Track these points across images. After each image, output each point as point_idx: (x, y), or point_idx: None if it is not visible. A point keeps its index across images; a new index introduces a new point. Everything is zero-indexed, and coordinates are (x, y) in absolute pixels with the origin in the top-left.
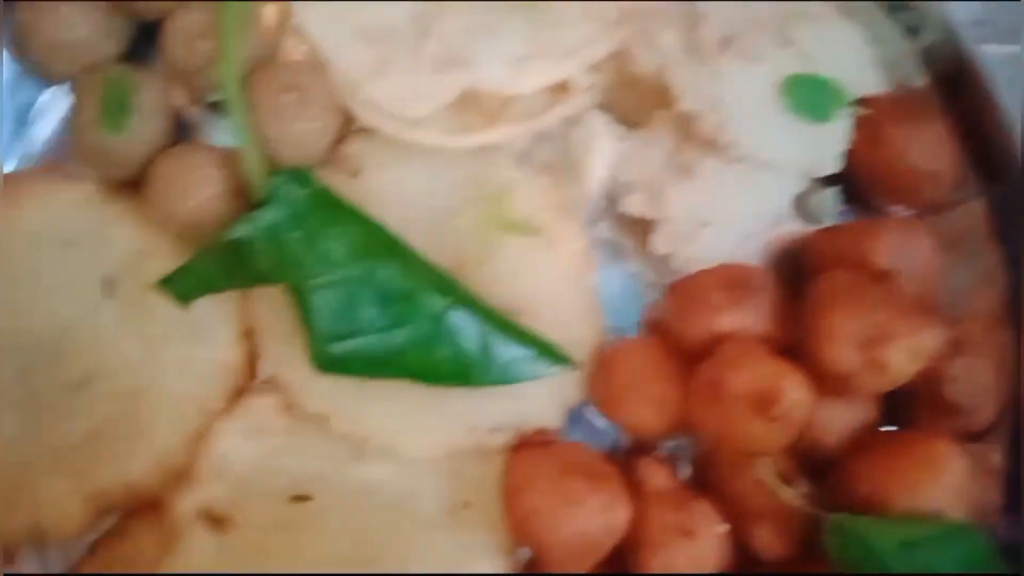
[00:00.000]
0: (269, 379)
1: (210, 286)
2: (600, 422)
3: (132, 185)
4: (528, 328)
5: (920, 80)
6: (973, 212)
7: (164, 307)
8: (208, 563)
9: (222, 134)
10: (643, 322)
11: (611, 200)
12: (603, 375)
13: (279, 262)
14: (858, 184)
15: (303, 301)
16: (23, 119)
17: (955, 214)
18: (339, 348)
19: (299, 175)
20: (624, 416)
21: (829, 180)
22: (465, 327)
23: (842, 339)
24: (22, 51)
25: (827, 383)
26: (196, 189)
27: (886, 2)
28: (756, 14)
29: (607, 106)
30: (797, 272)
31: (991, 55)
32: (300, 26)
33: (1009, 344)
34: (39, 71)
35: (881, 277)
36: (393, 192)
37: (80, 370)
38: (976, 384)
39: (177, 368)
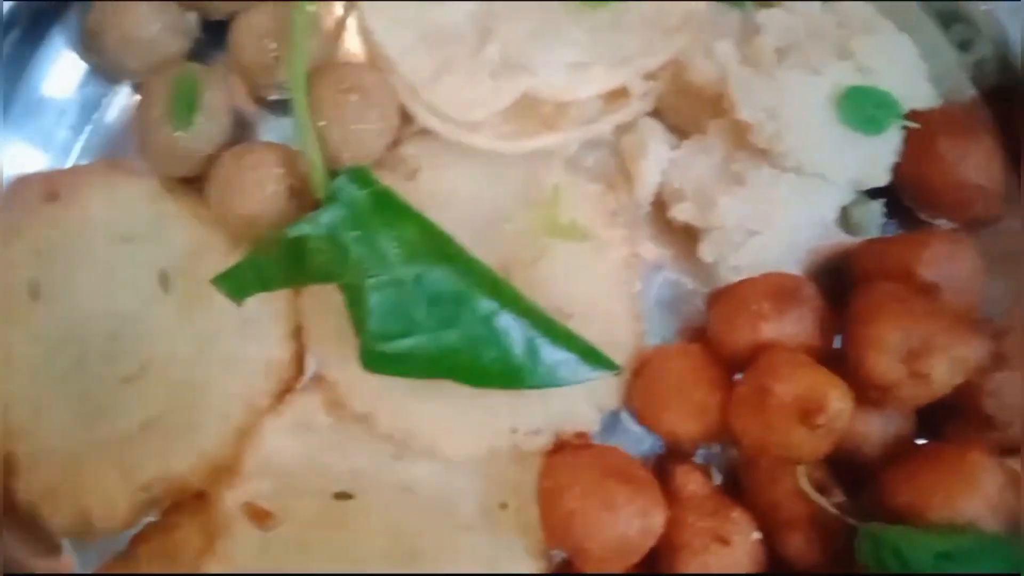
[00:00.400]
0: (316, 377)
1: (265, 283)
2: (636, 427)
3: (192, 181)
4: (573, 332)
5: (970, 93)
6: (1016, 227)
7: (218, 303)
8: (251, 558)
9: (279, 132)
10: (682, 329)
11: (657, 208)
12: (644, 381)
13: (337, 261)
14: (905, 197)
15: (358, 300)
16: (88, 114)
17: (999, 228)
18: (390, 347)
19: (360, 175)
20: (663, 422)
21: (874, 192)
22: (513, 330)
23: (886, 350)
24: (91, 49)
25: (867, 393)
26: (256, 188)
27: (940, 16)
28: (814, 25)
29: (660, 113)
30: (840, 282)
31: None
32: (364, 28)
33: None
34: (108, 68)
35: (926, 290)
36: (448, 194)
37: (134, 363)
38: (1014, 398)
39: (227, 364)
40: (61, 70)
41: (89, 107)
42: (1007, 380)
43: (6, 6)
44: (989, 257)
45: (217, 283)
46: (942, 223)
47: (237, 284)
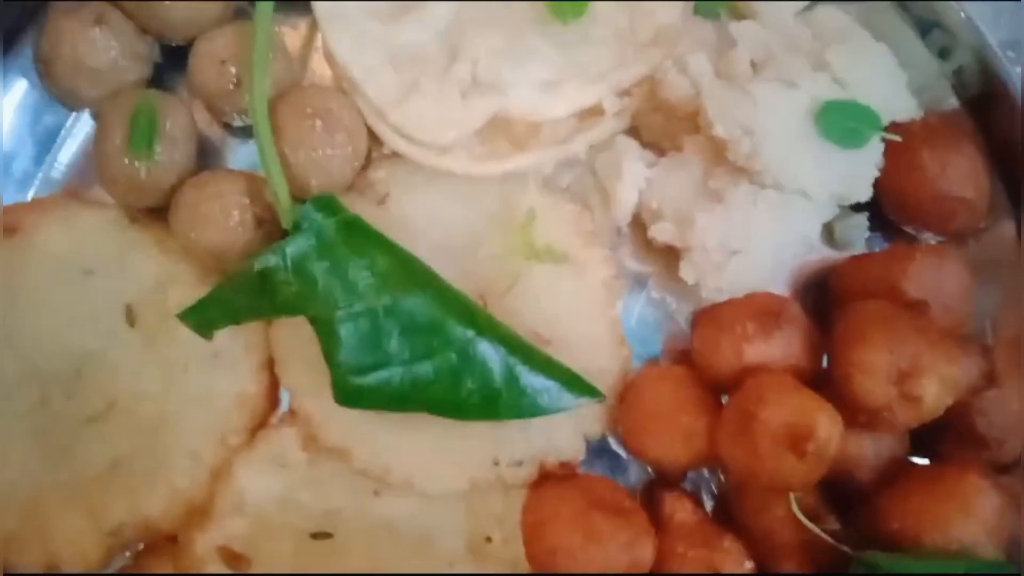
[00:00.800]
0: (290, 411)
1: (233, 316)
2: (623, 453)
3: (157, 211)
4: (554, 358)
5: (952, 102)
6: (1003, 236)
7: (186, 336)
8: None
9: (247, 158)
10: (666, 351)
11: (637, 226)
12: (628, 406)
13: (305, 293)
14: (888, 210)
15: (328, 332)
16: (46, 144)
17: (985, 239)
18: (363, 381)
19: (326, 203)
20: (649, 449)
21: (858, 206)
22: (491, 358)
23: (874, 372)
24: (46, 76)
25: (858, 416)
26: (221, 218)
27: (918, 23)
28: (789, 36)
29: (636, 130)
30: (826, 299)
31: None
32: (328, 49)
33: None
34: (64, 96)
35: (913, 307)
36: (419, 218)
37: (99, 401)
38: (1006, 416)
39: (197, 400)
40: (18, 98)
41: (48, 137)
42: (997, 398)
43: None
44: (975, 268)
45: (184, 318)
46: (927, 236)
47: (205, 318)
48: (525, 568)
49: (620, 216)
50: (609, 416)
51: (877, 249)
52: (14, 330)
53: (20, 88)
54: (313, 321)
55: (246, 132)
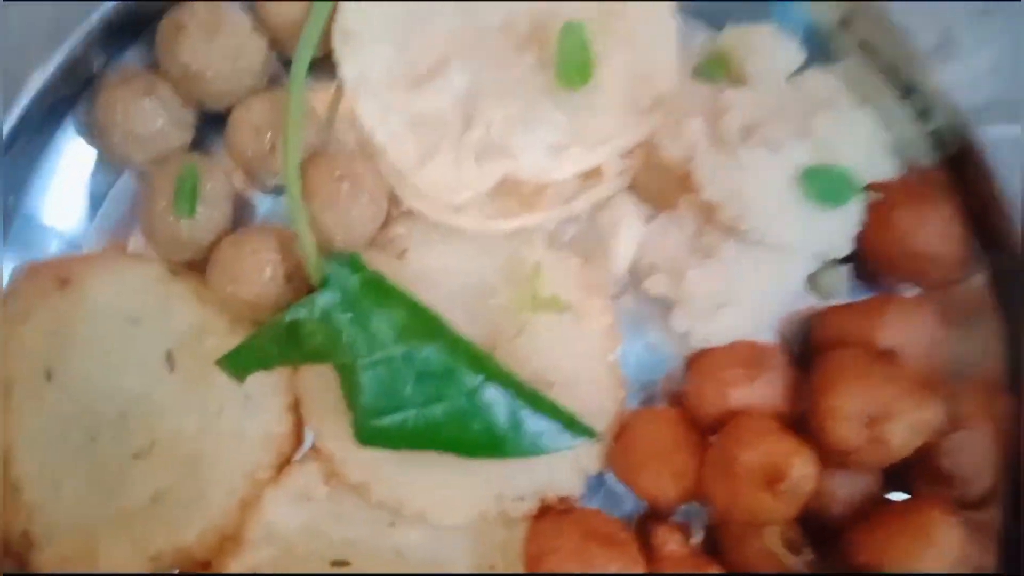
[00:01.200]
0: (313, 448)
1: (264, 363)
2: (619, 487)
3: (195, 265)
4: (555, 401)
5: (929, 161)
6: (977, 287)
7: (221, 380)
8: None
9: (279, 212)
10: (663, 392)
11: (635, 277)
12: (624, 445)
13: (331, 342)
14: (868, 264)
15: (350, 378)
16: (97, 201)
17: (960, 289)
18: (381, 423)
19: (352, 261)
20: (643, 484)
21: (842, 259)
22: (497, 402)
23: (846, 417)
24: (99, 139)
25: (832, 455)
26: (255, 273)
27: (899, 87)
28: (778, 102)
29: (634, 190)
30: (809, 346)
31: (995, 136)
32: (354, 116)
33: (1008, 414)
34: (114, 159)
35: (884, 355)
36: (435, 272)
37: (142, 439)
38: (972, 456)
39: (230, 438)
40: (72, 159)
41: (98, 195)
42: (963, 439)
43: (27, 95)
44: (950, 316)
45: (220, 364)
46: (906, 287)
47: (239, 364)
48: None
49: (618, 269)
50: (606, 454)
51: (860, 298)
52: (68, 374)
53: (74, 149)
54: (337, 368)
55: (278, 189)
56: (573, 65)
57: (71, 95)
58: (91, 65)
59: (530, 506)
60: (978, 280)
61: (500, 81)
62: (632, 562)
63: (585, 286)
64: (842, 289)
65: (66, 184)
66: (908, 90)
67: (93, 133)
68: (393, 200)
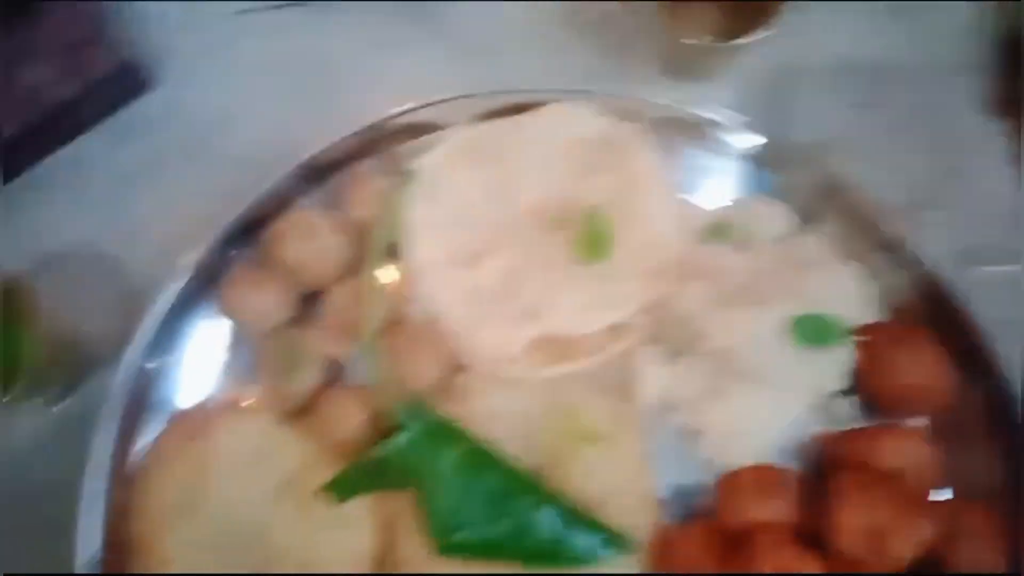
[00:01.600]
0: (402, 561)
1: (358, 490)
2: None
3: (299, 414)
4: (598, 518)
5: (912, 303)
6: (970, 408)
7: (322, 506)
8: None
9: (363, 374)
10: (697, 509)
11: (664, 410)
12: (658, 558)
13: (408, 474)
14: (865, 397)
15: (427, 501)
16: (227, 365)
17: (952, 415)
18: (454, 537)
19: (420, 408)
20: None
21: (847, 390)
22: (550, 519)
23: (851, 531)
24: (228, 316)
25: (841, 566)
26: (346, 422)
27: (885, 244)
28: (771, 264)
29: (655, 340)
30: (821, 467)
31: (975, 276)
32: (419, 293)
33: (1004, 527)
34: (238, 329)
35: (885, 477)
36: (492, 412)
37: (261, 556)
38: (971, 564)
39: (331, 553)
40: (208, 332)
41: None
42: (966, 549)
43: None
44: (948, 436)
45: (325, 489)
46: (903, 415)
47: (339, 490)
48: None
49: (646, 405)
50: (643, 565)
51: (865, 425)
52: (201, 511)
53: (214, 326)
54: (417, 493)
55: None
56: (594, 244)
57: (210, 283)
58: (224, 258)
59: None
60: (970, 402)
61: (536, 257)
62: None
63: (619, 420)
64: (849, 417)
65: (204, 351)
66: (888, 244)
67: (224, 310)
68: (453, 356)
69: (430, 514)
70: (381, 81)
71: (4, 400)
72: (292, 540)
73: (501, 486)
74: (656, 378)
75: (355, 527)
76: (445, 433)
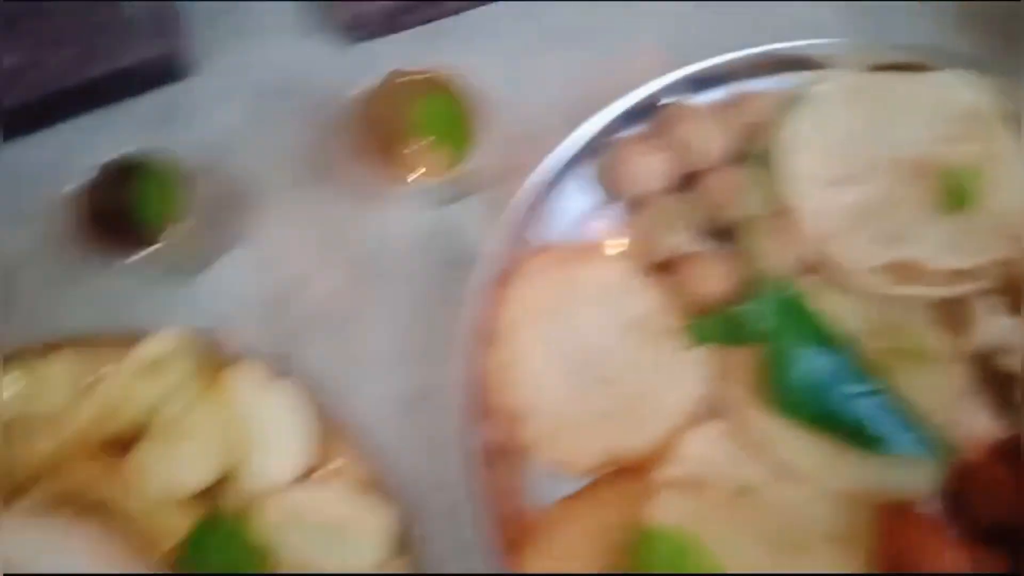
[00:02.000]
0: (722, 410)
1: (715, 338)
2: None
3: (660, 269)
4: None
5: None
6: None
7: (665, 347)
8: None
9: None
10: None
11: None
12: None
13: (760, 336)
14: None
15: (771, 366)
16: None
17: None
18: (787, 398)
19: (784, 282)
20: None
21: None
22: (878, 407)
23: None
24: (604, 179)
25: None
26: (709, 282)
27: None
28: None
29: (1000, 291)
30: None
31: None
32: (791, 199)
33: None
34: (614, 193)
35: None
36: (833, 308)
37: (599, 374)
38: None
39: (664, 388)
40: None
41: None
42: None
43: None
44: None
45: (687, 329)
46: None
47: (697, 333)
48: None
49: (979, 344)
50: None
51: None
52: (556, 320)
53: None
54: (762, 355)
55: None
56: (958, 196)
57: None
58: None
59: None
60: None
61: (902, 193)
62: None
63: (947, 349)
64: None
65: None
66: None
67: (600, 177)
68: (811, 256)
69: (772, 377)
70: (774, 13)
71: None
72: (631, 369)
73: (841, 367)
74: (995, 324)
75: (692, 370)
76: (801, 308)
